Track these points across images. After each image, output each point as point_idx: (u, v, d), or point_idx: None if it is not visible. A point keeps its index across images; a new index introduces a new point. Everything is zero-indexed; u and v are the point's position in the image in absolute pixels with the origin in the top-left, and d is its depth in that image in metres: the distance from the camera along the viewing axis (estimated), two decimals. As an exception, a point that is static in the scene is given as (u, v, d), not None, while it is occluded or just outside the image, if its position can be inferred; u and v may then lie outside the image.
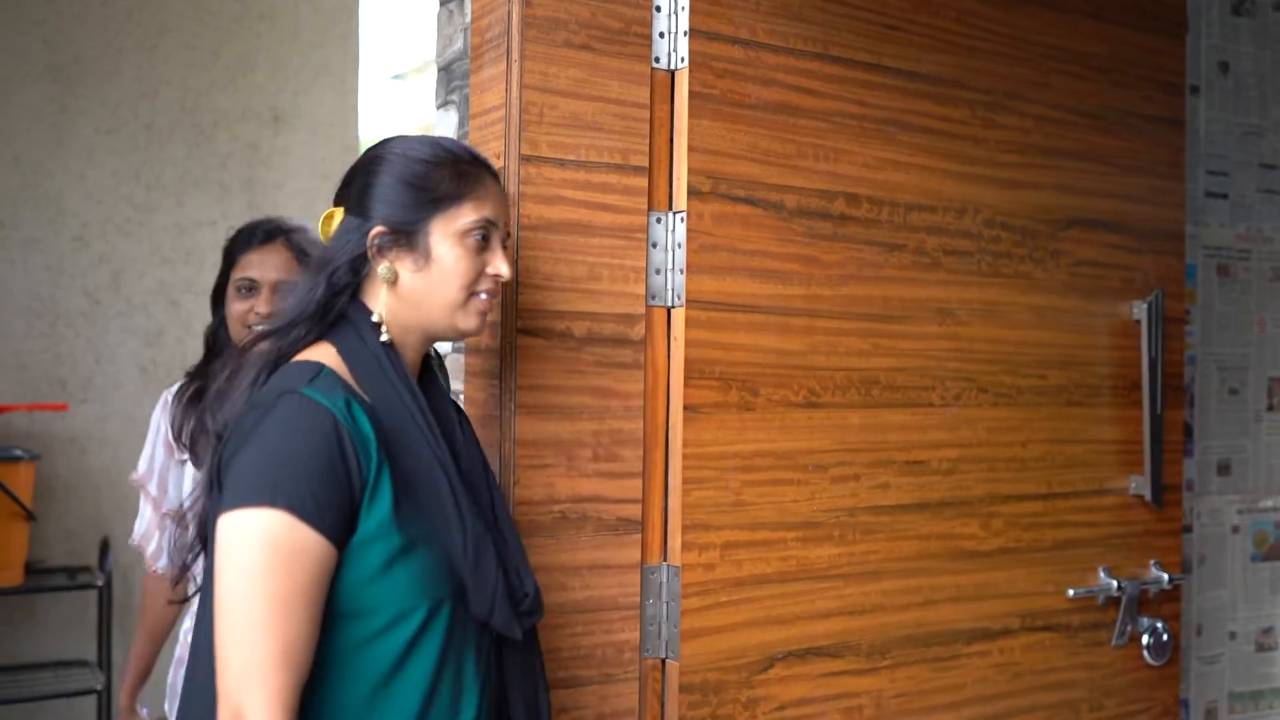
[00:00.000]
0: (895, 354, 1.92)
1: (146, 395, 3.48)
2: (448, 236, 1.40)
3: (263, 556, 1.21)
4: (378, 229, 1.39)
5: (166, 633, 2.29)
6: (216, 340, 2.19)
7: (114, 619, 3.36)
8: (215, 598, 1.23)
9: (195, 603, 2.05)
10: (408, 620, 1.30)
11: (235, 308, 2.13)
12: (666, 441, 1.73)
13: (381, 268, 1.39)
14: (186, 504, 1.43)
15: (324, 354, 1.37)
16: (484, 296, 1.44)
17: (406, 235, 1.39)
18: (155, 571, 2.25)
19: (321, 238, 1.46)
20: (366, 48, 4.04)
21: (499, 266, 1.44)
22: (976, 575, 2.00)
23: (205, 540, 1.40)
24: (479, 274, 1.42)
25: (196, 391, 2.15)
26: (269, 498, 1.22)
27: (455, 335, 1.46)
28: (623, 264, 1.71)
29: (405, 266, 1.40)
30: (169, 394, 2.25)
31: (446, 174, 1.41)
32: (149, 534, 2.25)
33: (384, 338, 1.39)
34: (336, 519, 1.25)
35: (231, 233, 2.23)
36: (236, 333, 2.11)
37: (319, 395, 1.28)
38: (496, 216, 1.44)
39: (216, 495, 1.30)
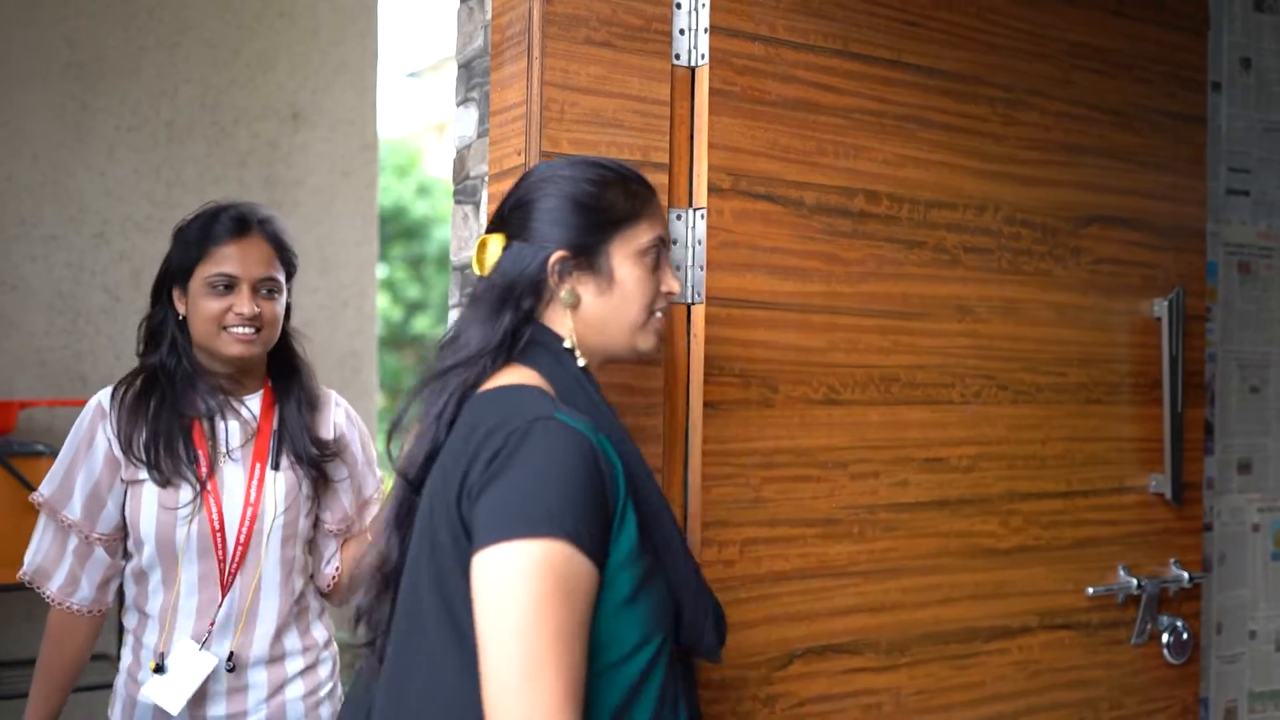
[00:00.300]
0: (915, 351, 1.92)
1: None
2: (628, 257, 1.39)
3: (545, 589, 1.15)
4: (559, 253, 1.37)
5: (77, 678, 2.00)
6: (162, 335, 1.95)
7: (134, 614, 3.39)
8: (487, 637, 1.16)
9: (151, 635, 1.92)
10: (644, 651, 1.26)
11: (208, 306, 1.90)
12: (686, 438, 1.73)
13: (564, 292, 1.37)
14: (380, 549, 1.38)
15: (528, 378, 1.35)
16: (660, 315, 1.44)
17: (588, 258, 1.38)
18: (68, 608, 1.95)
19: (477, 268, 1.42)
20: (383, 46, 4.05)
21: (672, 284, 1.44)
22: (996, 573, 1.99)
23: (388, 580, 1.38)
24: (657, 292, 1.42)
25: (140, 394, 1.92)
26: (546, 528, 1.16)
27: (632, 356, 1.44)
28: (643, 261, 1.71)
29: (587, 290, 1.38)
30: (103, 399, 1.94)
31: (619, 194, 1.40)
32: (48, 565, 1.95)
33: (581, 362, 1.37)
34: (601, 547, 1.21)
35: (187, 220, 1.99)
36: (206, 334, 1.91)
37: (572, 421, 1.25)
38: (665, 233, 1.44)
39: (458, 534, 1.24)
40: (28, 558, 1.97)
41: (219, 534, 1.90)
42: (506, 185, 1.74)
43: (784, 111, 1.79)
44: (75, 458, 1.92)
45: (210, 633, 1.91)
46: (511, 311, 1.36)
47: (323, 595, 2.13)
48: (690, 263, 1.73)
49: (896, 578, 1.89)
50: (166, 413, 1.90)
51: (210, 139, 3.69)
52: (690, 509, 1.72)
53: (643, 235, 1.40)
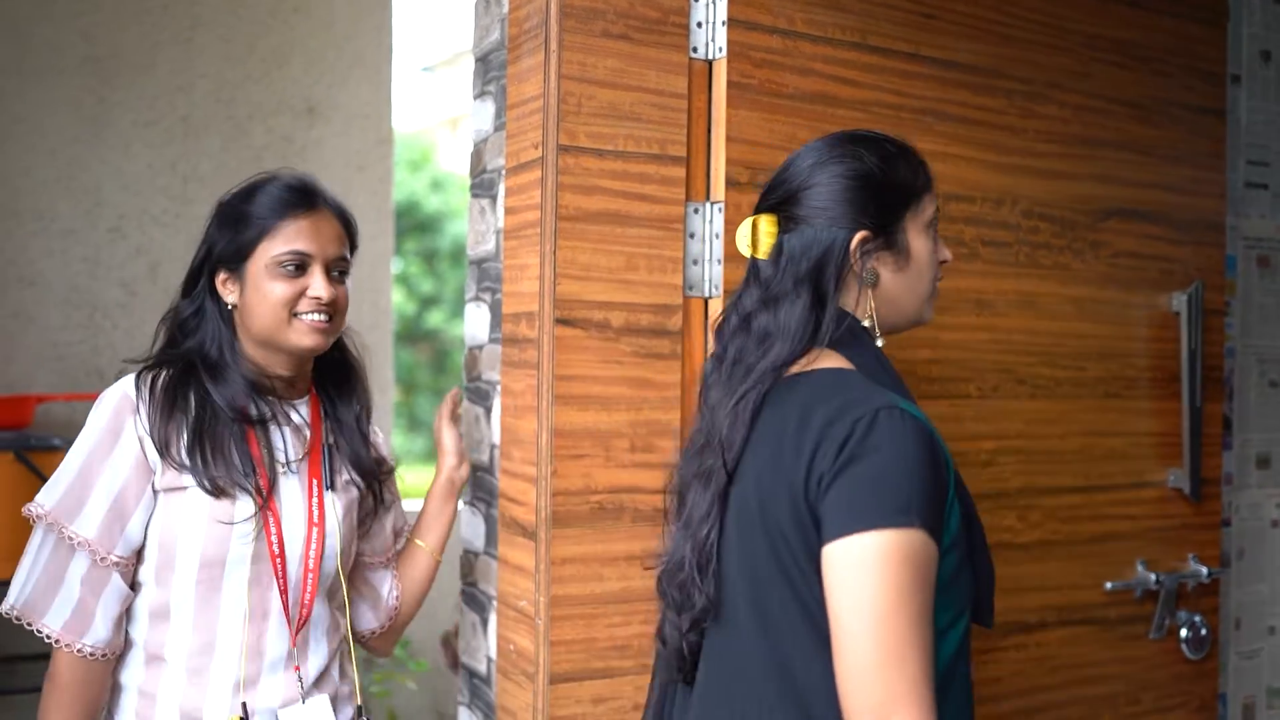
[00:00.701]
0: (933, 345, 1.91)
1: (182, 386, 3.50)
2: (920, 231, 1.39)
3: (905, 577, 1.16)
4: (862, 234, 1.35)
5: None
6: (197, 329, 1.67)
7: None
8: (845, 623, 1.17)
9: (172, 694, 1.56)
10: (954, 631, 1.27)
11: (276, 290, 1.60)
12: (703, 432, 1.73)
13: (867, 272, 1.36)
14: (698, 537, 1.35)
15: (840, 362, 1.33)
16: (937, 284, 1.44)
17: (887, 236, 1.36)
18: (77, 652, 1.54)
19: (749, 249, 1.39)
20: (396, 40, 4.05)
21: (946, 251, 1.44)
22: (1013, 568, 1.99)
23: (704, 566, 1.35)
24: (937, 262, 1.42)
25: (173, 384, 1.61)
26: (903, 518, 1.17)
27: (909, 327, 1.44)
28: (660, 254, 1.71)
29: (886, 267, 1.37)
30: (128, 388, 1.61)
31: (906, 168, 1.39)
32: (41, 596, 1.54)
33: (880, 342, 1.37)
34: (940, 533, 1.22)
35: (234, 192, 1.70)
36: (272, 323, 1.62)
37: (913, 409, 1.24)
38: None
39: (805, 524, 1.23)
40: (15, 586, 1.56)
41: (279, 559, 1.60)
42: (524, 178, 1.74)
43: (802, 105, 1.79)
44: (91, 459, 1.56)
45: (304, 679, 1.64)
46: (829, 296, 1.34)
47: (374, 641, 1.87)
48: (708, 257, 1.73)
49: (914, 572, 1.88)
50: (210, 411, 1.60)
51: (226, 134, 3.70)
52: (707, 503, 1.72)
53: (929, 207, 1.40)
